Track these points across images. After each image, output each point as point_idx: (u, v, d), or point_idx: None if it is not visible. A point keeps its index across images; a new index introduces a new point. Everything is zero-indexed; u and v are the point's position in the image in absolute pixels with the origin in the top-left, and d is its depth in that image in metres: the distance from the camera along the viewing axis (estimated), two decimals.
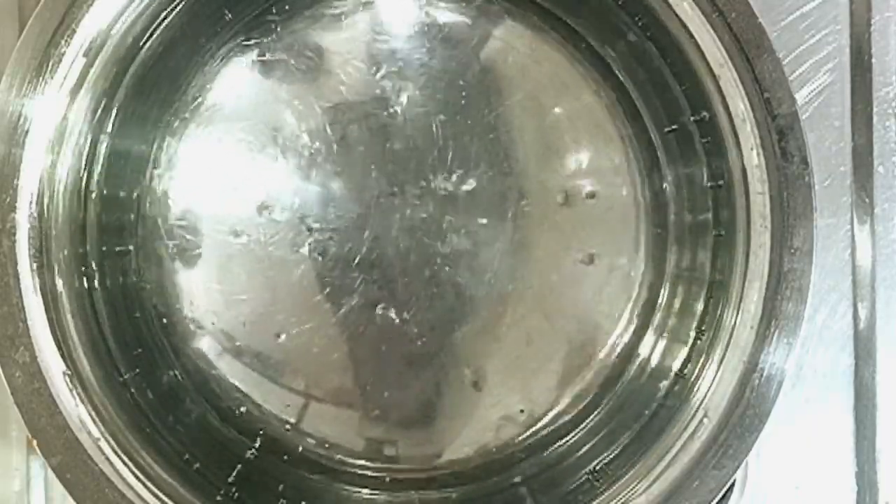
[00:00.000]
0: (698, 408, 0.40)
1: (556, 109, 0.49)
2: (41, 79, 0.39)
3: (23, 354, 0.38)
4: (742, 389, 0.40)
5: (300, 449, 0.48)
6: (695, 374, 0.42)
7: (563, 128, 0.49)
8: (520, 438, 0.49)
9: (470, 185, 0.48)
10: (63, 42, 0.39)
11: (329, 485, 0.48)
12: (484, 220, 0.48)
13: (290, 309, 0.48)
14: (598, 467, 0.45)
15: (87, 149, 0.42)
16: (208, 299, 0.48)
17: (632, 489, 0.40)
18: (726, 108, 0.40)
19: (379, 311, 0.48)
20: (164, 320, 0.48)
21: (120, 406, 0.41)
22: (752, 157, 0.40)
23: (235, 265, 0.48)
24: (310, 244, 0.48)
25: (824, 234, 0.49)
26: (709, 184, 0.45)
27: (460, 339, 0.48)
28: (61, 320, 0.40)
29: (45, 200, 0.40)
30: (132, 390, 0.43)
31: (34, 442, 0.38)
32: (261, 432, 0.48)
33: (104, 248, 0.45)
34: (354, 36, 0.49)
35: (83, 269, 0.43)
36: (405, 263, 0.48)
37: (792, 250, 0.39)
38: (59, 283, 0.40)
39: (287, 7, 0.48)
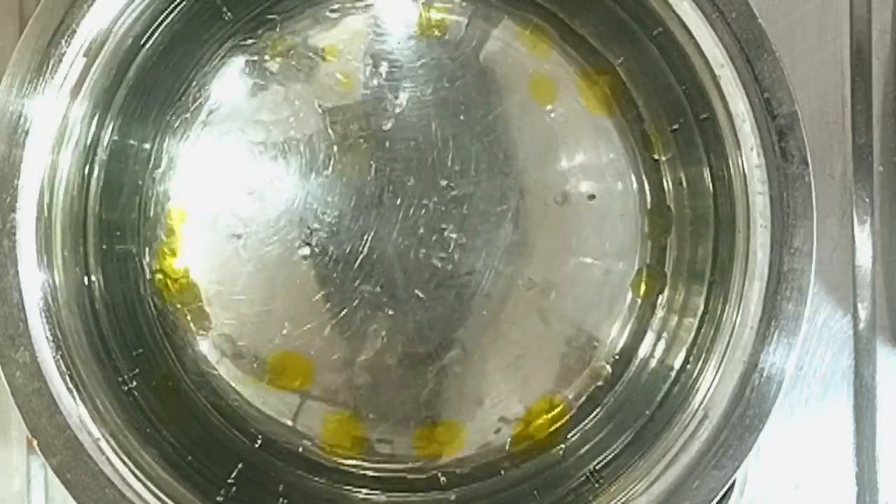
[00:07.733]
0: (698, 408, 0.40)
1: (556, 110, 0.49)
2: (41, 79, 0.39)
3: (23, 354, 0.38)
4: (742, 389, 0.39)
5: (300, 449, 0.48)
6: (695, 374, 0.42)
7: (563, 128, 0.49)
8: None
9: (470, 185, 0.48)
10: (63, 42, 0.39)
11: (329, 485, 0.48)
12: (484, 221, 0.48)
13: (289, 309, 0.48)
14: (598, 467, 0.45)
15: (87, 149, 0.42)
16: (208, 300, 0.48)
17: (632, 489, 0.40)
18: (726, 108, 0.40)
19: (378, 311, 0.48)
20: (164, 320, 0.48)
21: (120, 406, 0.41)
22: (752, 157, 0.40)
23: (235, 265, 0.48)
24: (310, 244, 0.48)
25: (824, 234, 0.49)
26: (709, 184, 0.45)
27: (460, 340, 0.48)
28: (61, 321, 0.39)
29: (46, 200, 0.40)
30: (132, 390, 0.43)
31: (34, 442, 0.38)
32: (260, 432, 0.48)
33: (104, 248, 0.45)
34: (354, 36, 0.49)
35: (83, 269, 0.43)
36: (405, 263, 0.48)
37: (792, 250, 0.39)
38: (60, 283, 0.40)
39: (287, 7, 0.48)
